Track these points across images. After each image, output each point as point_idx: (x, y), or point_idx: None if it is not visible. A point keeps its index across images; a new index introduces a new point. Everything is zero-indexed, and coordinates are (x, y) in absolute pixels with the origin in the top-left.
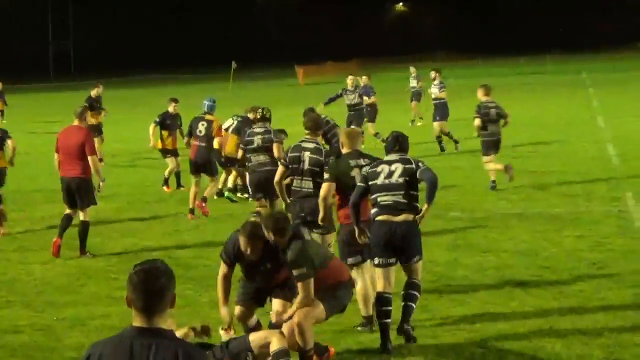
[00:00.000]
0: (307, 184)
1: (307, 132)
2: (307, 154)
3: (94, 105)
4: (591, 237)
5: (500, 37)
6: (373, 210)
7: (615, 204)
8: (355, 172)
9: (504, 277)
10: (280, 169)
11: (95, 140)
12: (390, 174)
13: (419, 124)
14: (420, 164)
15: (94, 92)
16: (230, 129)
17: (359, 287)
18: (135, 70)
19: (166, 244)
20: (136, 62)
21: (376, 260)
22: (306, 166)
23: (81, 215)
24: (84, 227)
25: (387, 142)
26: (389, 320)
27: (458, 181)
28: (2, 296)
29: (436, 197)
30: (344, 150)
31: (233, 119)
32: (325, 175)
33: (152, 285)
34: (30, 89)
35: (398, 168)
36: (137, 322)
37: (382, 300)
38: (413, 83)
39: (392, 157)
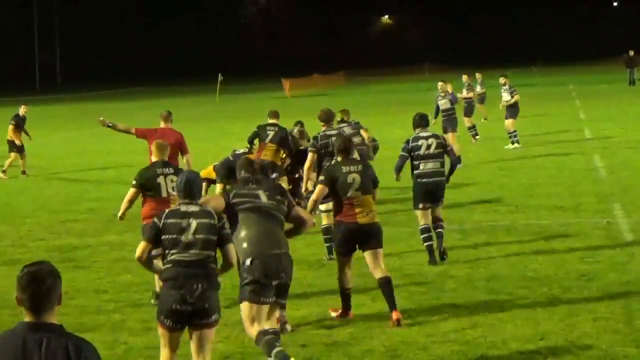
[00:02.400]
0: None
1: (322, 124)
2: (334, 139)
3: (20, 124)
4: (580, 249)
5: (487, 49)
6: (417, 172)
7: (604, 216)
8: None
9: (494, 288)
10: (310, 156)
11: (16, 155)
12: (429, 147)
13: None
14: (447, 142)
15: (21, 111)
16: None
17: None
18: (122, 83)
19: None
20: (123, 74)
21: (420, 205)
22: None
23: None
24: None
25: (414, 120)
26: (431, 242)
27: (446, 193)
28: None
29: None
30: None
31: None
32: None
33: (39, 286)
34: (15, 101)
35: (433, 142)
36: (28, 319)
37: (426, 230)
38: (479, 88)
39: (425, 133)
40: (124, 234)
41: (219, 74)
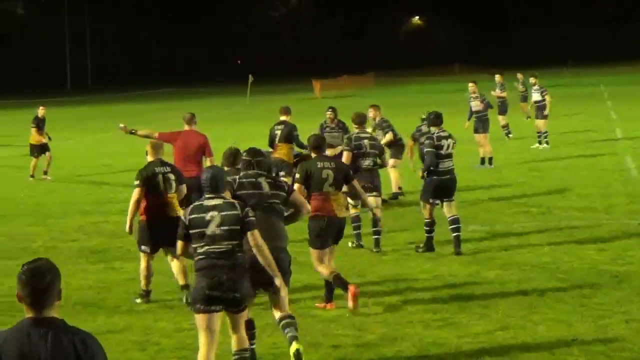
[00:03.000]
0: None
1: (356, 126)
2: (366, 141)
3: (40, 126)
4: (612, 250)
5: (517, 50)
6: (434, 169)
7: (635, 217)
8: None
9: (525, 290)
10: (346, 155)
11: (43, 157)
12: (448, 147)
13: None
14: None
15: (40, 113)
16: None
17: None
18: (153, 84)
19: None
20: (153, 75)
21: (430, 200)
22: (368, 149)
23: None
24: None
25: (430, 119)
26: (433, 235)
27: (477, 195)
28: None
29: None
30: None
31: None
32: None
33: (40, 283)
34: (47, 102)
35: (451, 142)
36: (29, 315)
37: (431, 224)
38: (521, 88)
39: (444, 133)
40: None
41: (250, 75)
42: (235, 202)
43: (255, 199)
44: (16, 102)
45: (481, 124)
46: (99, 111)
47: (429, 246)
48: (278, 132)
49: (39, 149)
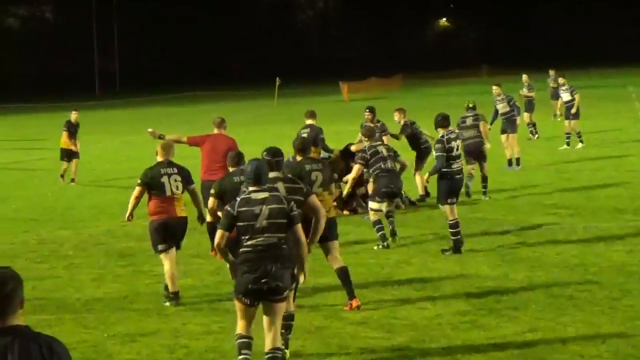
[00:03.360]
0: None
1: (366, 139)
2: (381, 147)
3: (71, 130)
4: None
5: (544, 51)
6: (446, 170)
7: None
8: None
9: (554, 292)
10: (357, 168)
11: (72, 163)
12: (457, 147)
13: (558, 119)
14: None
15: (73, 117)
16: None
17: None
18: (181, 87)
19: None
20: (181, 78)
21: (449, 200)
22: (385, 154)
23: None
24: None
25: (437, 121)
26: (460, 236)
27: (506, 196)
28: (53, 313)
29: (483, 211)
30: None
31: None
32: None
33: (2, 290)
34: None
35: (459, 143)
36: None
37: (456, 225)
38: (552, 84)
39: (453, 134)
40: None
41: (277, 78)
42: (282, 195)
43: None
44: (45, 107)
45: (509, 125)
46: (128, 115)
47: (456, 247)
48: (304, 136)
49: (69, 154)
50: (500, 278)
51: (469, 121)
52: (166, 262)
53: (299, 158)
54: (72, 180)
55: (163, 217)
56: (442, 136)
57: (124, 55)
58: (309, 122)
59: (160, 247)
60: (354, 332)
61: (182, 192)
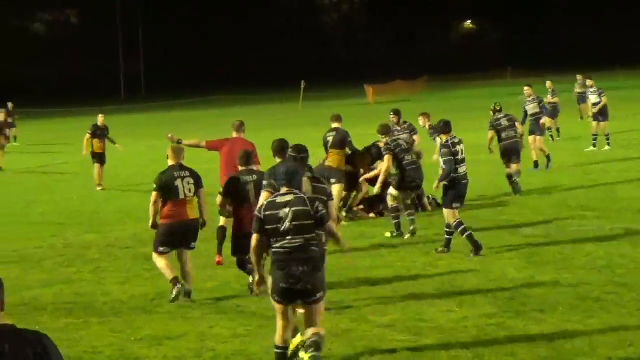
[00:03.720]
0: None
1: (383, 136)
2: (401, 141)
3: (97, 134)
4: None
5: (569, 53)
6: (453, 175)
7: None
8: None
9: (581, 294)
10: (387, 158)
11: (98, 166)
12: (462, 152)
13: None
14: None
15: (99, 121)
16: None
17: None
18: (206, 91)
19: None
20: (206, 82)
21: (454, 205)
22: (405, 146)
23: None
24: None
25: (439, 127)
26: (470, 232)
27: (531, 198)
28: (80, 317)
29: (510, 213)
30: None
31: None
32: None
33: None
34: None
35: (463, 147)
36: None
37: (461, 224)
38: (579, 89)
39: (456, 139)
40: (209, 242)
41: (302, 81)
42: (305, 197)
43: None
44: (70, 111)
45: (538, 126)
46: (153, 119)
47: (476, 247)
48: (330, 139)
49: (98, 157)
50: (526, 280)
51: (505, 122)
52: (162, 260)
53: (278, 160)
54: (99, 185)
55: (175, 220)
56: (447, 141)
57: (149, 59)
58: (334, 125)
59: (161, 249)
60: (380, 334)
61: (194, 195)
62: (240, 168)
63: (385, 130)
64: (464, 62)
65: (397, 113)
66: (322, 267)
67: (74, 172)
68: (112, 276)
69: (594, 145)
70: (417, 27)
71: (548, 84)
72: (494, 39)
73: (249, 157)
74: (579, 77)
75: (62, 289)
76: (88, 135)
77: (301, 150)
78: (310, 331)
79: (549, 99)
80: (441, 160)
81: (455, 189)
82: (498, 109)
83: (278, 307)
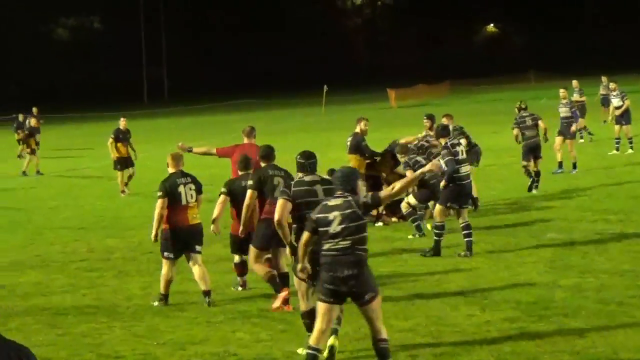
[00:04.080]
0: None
1: (402, 155)
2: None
3: (120, 138)
4: None
5: (592, 56)
6: (455, 175)
7: None
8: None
9: (604, 298)
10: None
11: (121, 172)
12: (462, 152)
13: (609, 124)
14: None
15: (121, 125)
16: None
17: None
18: (228, 95)
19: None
20: (229, 87)
21: (447, 204)
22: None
23: None
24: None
25: (438, 132)
26: (442, 238)
27: (554, 202)
28: (103, 322)
29: (533, 217)
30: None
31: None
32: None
33: None
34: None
35: (463, 148)
36: None
37: (442, 227)
38: (603, 91)
39: (455, 140)
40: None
41: (325, 85)
42: (352, 199)
43: (311, 208)
44: (93, 115)
45: (567, 130)
46: (176, 123)
47: (436, 250)
48: (348, 143)
49: (122, 163)
50: (549, 284)
51: (529, 121)
52: (166, 267)
53: (263, 164)
54: (123, 191)
55: (177, 225)
56: (446, 143)
57: (172, 64)
58: (356, 129)
59: (166, 254)
60: (402, 338)
61: (195, 200)
62: (240, 172)
63: (404, 150)
64: (486, 66)
65: (430, 118)
66: (367, 268)
67: (97, 177)
68: (134, 280)
69: (617, 149)
70: (439, 31)
71: (574, 82)
72: (517, 43)
73: (247, 162)
74: (603, 78)
75: (85, 294)
76: (111, 140)
77: (309, 157)
78: (373, 336)
79: (575, 97)
80: (442, 162)
81: (456, 188)
82: (523, 107)
83: (321, 306)
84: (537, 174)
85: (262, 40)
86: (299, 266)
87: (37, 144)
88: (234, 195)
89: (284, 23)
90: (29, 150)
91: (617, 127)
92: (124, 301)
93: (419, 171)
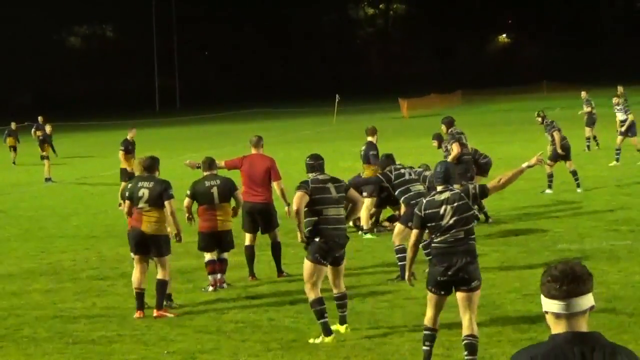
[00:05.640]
0: None
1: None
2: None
3: (129, 149)
4: None
5: (605, 67)
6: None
7: None
8: None
9: (615, 309)
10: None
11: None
12: (410, 174)
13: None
14: None
15: (130, 135)
16: None
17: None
18: (240, 105)
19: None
20: (241, 96)
21: (409, 224)
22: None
23: (270, 238)
24: (278, 247)
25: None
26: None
27: (566, 212)
28: (113, 330)
29: (544, 227)
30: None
31: None
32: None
33: None
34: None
35: (408, 170)
36: None
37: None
38: (587, 108)
39: (398, 164)
40: (242, 255)
41: (337, 95)
42: (459, 190)
43: (325, 203)
44: (105, 124)
45: (630, 128)
46: (187, 132)
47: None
48: (361, 153)
49: (129, 174)
50: None
51: (556, 124)
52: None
53: (205, 173)
54: (120, 204)
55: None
56: (390, 169)
57: (184, 73)
58: (367, 139)
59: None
60: (413, 348)
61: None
62: (205, 173)
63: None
64: (499, 76)
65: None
66: (476, 257)
67: (108, 185)
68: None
69: (617, 160)
70: (452, 41)
71: (583, 94)
72: (530, 53)
73: (212, 162)
74: (619, 88)
75: (95, 302)
76: (122, 152)
77: (317, 158)
78: (464, 329)
79: (584, 108)
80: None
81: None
82: (544, 115)
83: (432, 297)
84: (574, 173)
85: (275, 50)
86: (407, 273)
87: (53, 151)
88: (199, 195)
89: (296, 33)
90: (44, 153)
91: (619, 137)
92: (135, 310)
93: (525, 164)
